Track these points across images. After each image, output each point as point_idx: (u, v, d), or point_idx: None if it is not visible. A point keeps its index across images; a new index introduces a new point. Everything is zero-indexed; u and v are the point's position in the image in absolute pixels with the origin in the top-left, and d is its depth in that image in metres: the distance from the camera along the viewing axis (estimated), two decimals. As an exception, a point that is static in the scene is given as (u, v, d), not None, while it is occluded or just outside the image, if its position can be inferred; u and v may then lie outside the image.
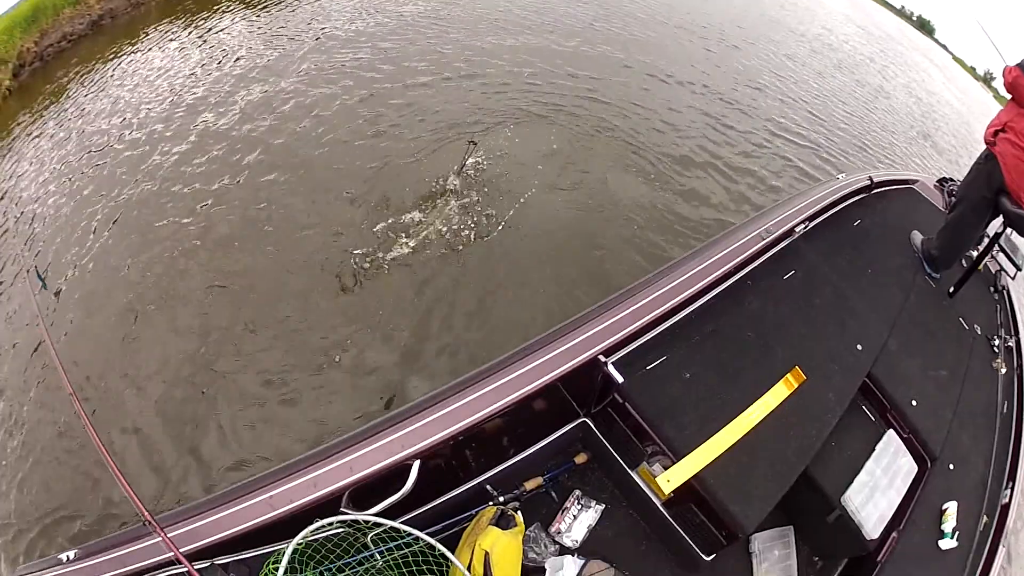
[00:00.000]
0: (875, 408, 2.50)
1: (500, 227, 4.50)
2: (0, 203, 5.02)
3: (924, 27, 58.12)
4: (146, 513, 1.42)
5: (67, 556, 1.54)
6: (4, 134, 6.00)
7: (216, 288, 4.00)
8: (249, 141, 5.12)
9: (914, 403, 2.53)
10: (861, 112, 9.91)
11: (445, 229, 4.39)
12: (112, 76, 6.55)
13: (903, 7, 62.61)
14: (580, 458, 2.17)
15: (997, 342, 3.40)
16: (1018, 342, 3.68)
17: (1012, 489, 2.58)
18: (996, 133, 3.37)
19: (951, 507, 2.27)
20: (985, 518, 2.42)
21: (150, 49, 7.15)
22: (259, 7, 8.17)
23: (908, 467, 2.33)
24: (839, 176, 3.84)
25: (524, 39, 7.68)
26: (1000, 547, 2.31)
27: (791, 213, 2.98)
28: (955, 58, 45.05)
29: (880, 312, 2.90)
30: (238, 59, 6.57)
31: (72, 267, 4.16)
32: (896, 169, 5.24)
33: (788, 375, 2.20)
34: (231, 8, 8.27)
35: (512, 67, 6.81)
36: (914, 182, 4.70)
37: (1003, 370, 3.21)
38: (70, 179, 5.07)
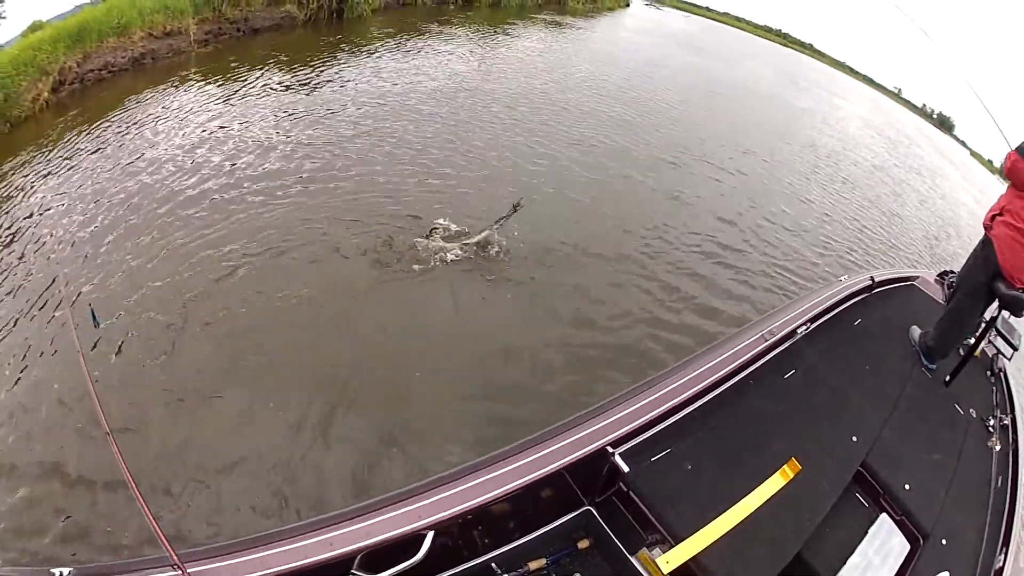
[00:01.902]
0: (869, 494, 2.68)
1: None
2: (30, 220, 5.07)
3: (943, 124, 60.58)
4: (172, 552, 1.49)
5: (60, 572, 1.54)
6: (34, 147, 6.12)
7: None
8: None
9: (907, 487, 2.71)
10: (868, 232, 10.17)
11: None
12: (144, 117, 6.73)
13: (924, 105, 65.34)
14: (583, 544, 2.27)
15: (992, 422, 3.57)
16: (1013, 419, 3.82)
17: (1006, 554, 2.71)
18: (994, 218, 3.55)
19: None
20: None
21: (184, 97, 7.44)
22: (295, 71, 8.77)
23: (900, 546, 2.49)
24: (842, 278, 4.12)
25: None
26: None
27: (794, 315, 3.27)
28: (972, 153, 47.04)
29: (876, 405, 3.12)
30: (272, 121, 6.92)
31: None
32: (900, 267, 5.52)
33: (785, 466, 2.40)
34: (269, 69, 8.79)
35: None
36: (915, 278, 5.00)
37: (998, 447, 3.38)
38: (96, 208, 5.14)
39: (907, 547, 2.53)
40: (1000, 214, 3.54)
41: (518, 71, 11.34)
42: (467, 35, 14.09)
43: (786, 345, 3.18)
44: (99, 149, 5.97)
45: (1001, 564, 2.67)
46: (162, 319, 4.06)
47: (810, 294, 3.81)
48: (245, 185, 5.50)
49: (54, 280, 4.35)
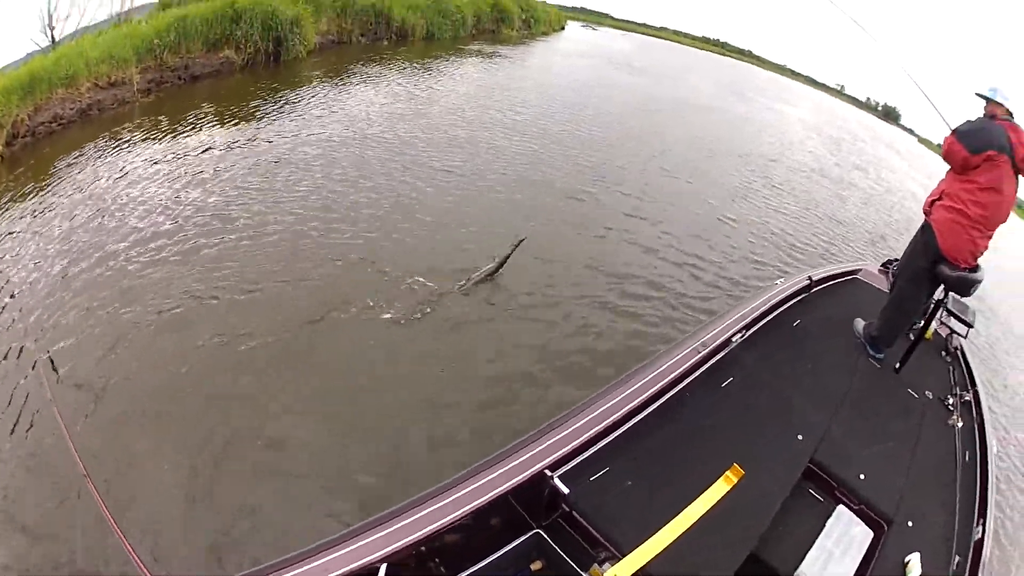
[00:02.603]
0: (822, 489, 2.80)
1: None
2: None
3: (889, 115, 62.48)
4: None
5: None
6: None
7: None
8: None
9: (862, 476, 2.84)
10: (805, 242, 10.17)
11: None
12: (91, 174, 7.15)
13: (868, 99, 67.19)
14: (535, 565, 2.37)
15: (951, 400, 3.75)
16: (975, 393, 4.03)
17: (983, 525, 2.82)
18: (933, 203, 3.82)
19: (913, 558, 2.49)
20: (958, 558, 2.64)
21: (129, 149, 7.92)
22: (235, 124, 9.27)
23: (862, 535, 2.60)
24: (777, 281, 4.36)
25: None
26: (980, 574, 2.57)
27: (728, 324, 3.44)
28: (920, 140, 48.64)
29: (821, 401, 3.29)
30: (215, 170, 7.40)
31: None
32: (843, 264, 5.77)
33: (727, 472, 2.54)
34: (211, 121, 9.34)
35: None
36: (858, 271, 5.25)
37: (960, 424, 3.52)
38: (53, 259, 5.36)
39: (870, 534, 2.62)
40: (940, 199, 3.77)
41: (445, 109, 11.80)
42: (400, 72, 14.79)
43: (721, 354, 3.32)
44: (50, 208, 6.29)
45: (980, 535, 2.78)
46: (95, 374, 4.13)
47: (745, 301, 3.94)
48: (192, 238, 5.75)
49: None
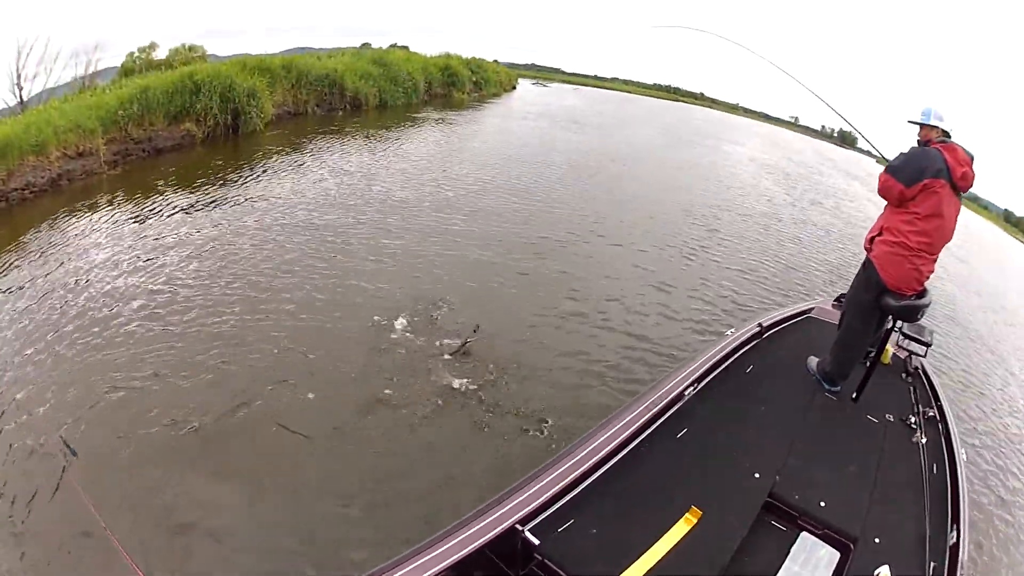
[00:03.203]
0: (784, 519, 2.96)
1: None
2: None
3: (845, 140, 63.98)
4: None
5: None
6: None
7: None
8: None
9: (822, 503, 3.00)
10: (755, 294, 9.48)
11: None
12: (64, 245, 7.49)
13: (823, 127, 68.99)
14: None
15: (913, 419, 3.89)
16: (939, 407, 4.18)
17: (958, 529, 2.94)
18: (873, 239, 3.98)
19: (883, 570, 2.61)
20: (933, 563, 2.75)
21: (98, 222, 8.24)
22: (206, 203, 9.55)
23: (829, 555, 2.76)
24: (728, 332, 4.55)
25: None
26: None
27: (680, 379, 3.66)
28: (881, 160, 49.63)
29: (776, 439, 3.47)
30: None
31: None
32: (799, 304, 5.79)
33: (687, 514, 2.73)
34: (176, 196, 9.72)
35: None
36: (811, 310, 5.47)
37: (924, 440, 3.65)
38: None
39: (836, 555, 2.77)
40: (879, 234, 3.92)
41: (379, 193, 11.19)
42: (351, 145, 15.17)
43: (675, 408, 3.52)
44: (31, 280, 6.56)
45: (955, 539, 2.89)
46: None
47: (697, 353, 4.20)
48: (164, 317, 5.92)
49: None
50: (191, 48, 19.15)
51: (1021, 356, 10.30)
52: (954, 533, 2.95)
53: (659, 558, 2.47)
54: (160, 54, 18.75)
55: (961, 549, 2.82)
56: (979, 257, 21.71)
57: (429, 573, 2.15)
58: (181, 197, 9.51)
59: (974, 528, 4.74)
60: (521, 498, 2.55)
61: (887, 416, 3.94)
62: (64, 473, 3.98)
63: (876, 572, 2.58)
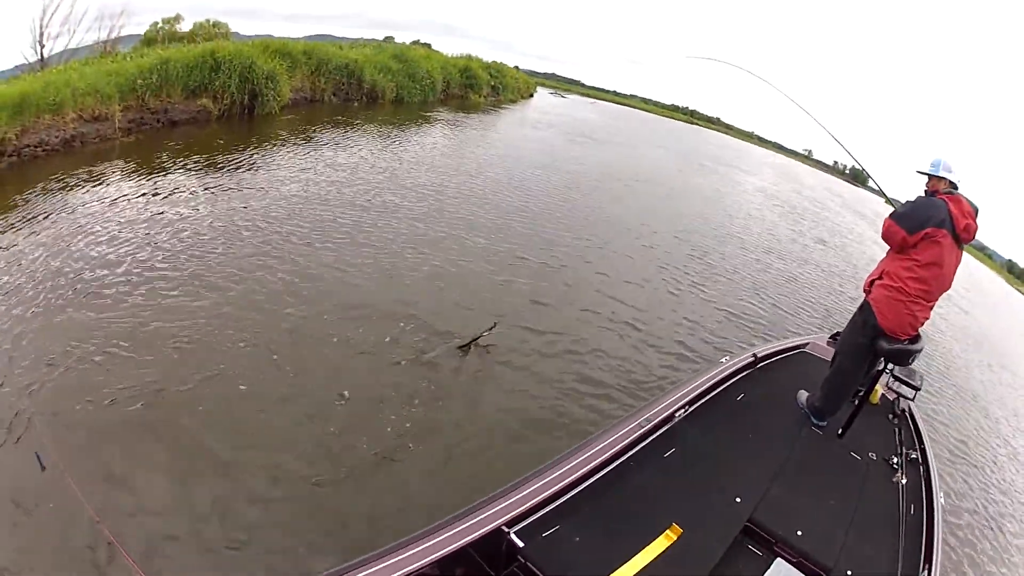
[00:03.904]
0: (761, 544, 3.06)
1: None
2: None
3: (856, 178, 64.34)
4: None
5: None
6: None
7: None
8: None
9: (799, 532, 3.10)
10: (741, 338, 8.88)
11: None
12: (75, 204, 7.54)
13: (835, 163, 69.31)
14: None
15: (896, 460, 4.01)
16: (922, 451, 4.29)
17: (929, 570, 3.06)
18: (872, 283, 4.11)
19: None
20: None
21: (110, 188, 8.28)
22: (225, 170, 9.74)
23: None
24: (723, 359, 4.68)
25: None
26: None
27: (672, 400, 3.79)
28: (889, 200, 50.39)
29: (761, 467, 3.59)
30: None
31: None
32: (795, 338, 5.81)
33: (667, 531, 2.84)
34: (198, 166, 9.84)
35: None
36: (806, 345, 5.62)
37: (904, 480, 3.78)
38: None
39: None
40: (880, 278, 4.04)
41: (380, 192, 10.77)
42: (364, 138, 15.21)
43: (664, 428, 3.63)
44: (32, 232, 6.66)
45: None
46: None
47: (691, 378, 4.28)
48: (162, 289, 5.89)
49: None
50: (215, 24, 19.38)
51: (1013, 418, 10.37)
52: (925, 571, 3.06)
53: (637, 570, 2.56)
54: (184, 27, 19.10)
55: None
56: (982, 309, 21.86)
57: (414, 566, 2.22)
58: (189, 172, 9.58)
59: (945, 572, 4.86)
60: (509, 501, 2.64)
61: (871, 454, 4.06)
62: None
63: None
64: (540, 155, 18.68)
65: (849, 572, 2.92)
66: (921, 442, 4.42)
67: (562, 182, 15.21)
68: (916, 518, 3.53)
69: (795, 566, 2.91)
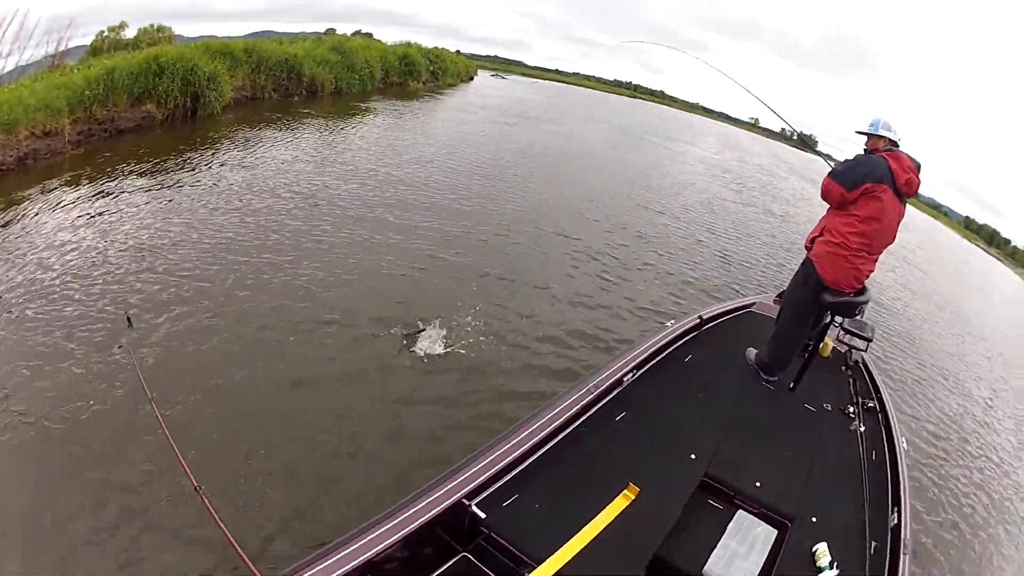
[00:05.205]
0: (721, 498, 3.17)
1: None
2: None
3: (805, 143, 65.77)
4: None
5: None
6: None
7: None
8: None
9: (758, 484, 3.22)
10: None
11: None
12: (33, 221, 7.67)
13: (782, 129, 70.86)
14: None
15: (852, 409, 4.18)
16: (879, 399, 4.49)
17: (899, 512, 3.18)
18: (814, 240, 4.24)
19: (820, 547, 2.81)
20: (875, 543, 2.95)
21: (60, 203, 8.42)
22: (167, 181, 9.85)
23: (766, 533, 2.95)
24: (668, 323, 4.78)
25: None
26: (901, 555, 2.87)
27: (620, 366, 3.87)
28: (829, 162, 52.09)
29: (713, 424, 3.72)
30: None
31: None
32: (741, 298, 6.05)
33: (625, 491, 2.94)
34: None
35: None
36: (751, 305, 5.79)
37: (862, 428, 3.92)
38: None
39: (773, 532, 2.96)
40: (820, 235, 4.16)
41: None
42: (298, 132, 15.45)
43: (614, 393, 3.74)
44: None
45: (897, 520, 3.13)
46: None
47: (637, 342, 4.38)
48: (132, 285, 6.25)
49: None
50: (159, 28, 19.37)
51: (968, 364, 11.47)
52: (895, 515, 3.19)
53: (599, 530, 2.68)
54: (129, 33, 19.01)
55: (903, 529, 3.04)
56: (938, 265, 23.84)
57: (380, 547, 2.28)
58: (138, 179, 9.79)
59: (921, 516, 5.26)
60: (467, 474, 2.70)
61: (825, 405, 4.24)
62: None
63: (814, 548, 2.82)
64: (468, 141, 18.56)
65: (814, 519, 3.05)
66: (877, 391, 4.63)
67: (478, 169, 14.84)
68: (878, 463, 3.69)
69: (757, 516, 3.04)
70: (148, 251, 7.08)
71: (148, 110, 13.12)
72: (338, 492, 4.09)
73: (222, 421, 4.53)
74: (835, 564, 2.70)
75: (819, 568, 2.71)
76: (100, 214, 8.07)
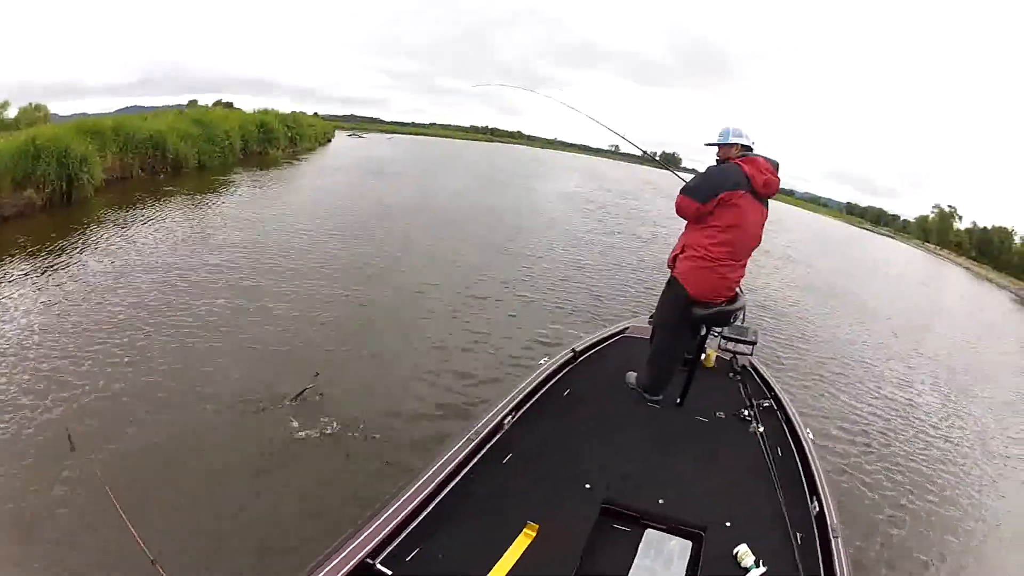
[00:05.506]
0: (626, 522, 3.08)
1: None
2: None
3: (670, 162, 69.60)
4: None
5: None
6: None
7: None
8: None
9: (661, 501, 3.17)
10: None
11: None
12: None
13: (645, 152, 75.80)
14: None
15: (747, 412, 4.18)
16: (775, 396, 4.54)
17: (819, 500, 3.17)
18: (676, 258, 4.19)
19: (741, 548, 2.78)
20: (800, 535, 2.94)
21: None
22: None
23: (680, 546, 2.89)
24: (542, 361, 4.69)
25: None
26: (831, 539, 2.85)
27: (498, 409, 3.76)
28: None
29: (603, 451, 3.67)
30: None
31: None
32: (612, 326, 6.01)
33: (525, 530, 2.87)
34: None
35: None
36: (625, 330, 5.74)
37: (760, 428, 3.92)
38: None
39: (688, 544, 2.91)
40: (682, 252, 4.12)
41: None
42: (172, 209, 15.71)
43: (496, 437, 3.62)
44: None
45: (819, 509, 3.12)
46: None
47: (512, 383, 4.31)
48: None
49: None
50: (37, 107, 19.53)
51: (872, 345, 12.50)
52: (815, 504, 3.18)
53: (507, 572, 2.63)
54: (11, 113, 19.01)
55: (828, 515, 3.03)
56: (825, 257, 26.13)
57: None
58: (26, 264, 9.94)
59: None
60: (366, 533, 2.64)
61: (717, 414, 4.26)
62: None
63: (735, 551, 2.78)
64: (327, 206, 18.64)
65: (728, 523, 3.02)
66: (771, 389, 4.68)
67: (334, 233, 14.77)
68: (786, 459, 3.70)
69: (667, 531, 3.00)
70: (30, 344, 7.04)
71: (28, 195, 13.27)
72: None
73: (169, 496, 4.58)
74: (760, 562, 2.71)
75: (745, 569, 2.71)
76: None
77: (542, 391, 4.29)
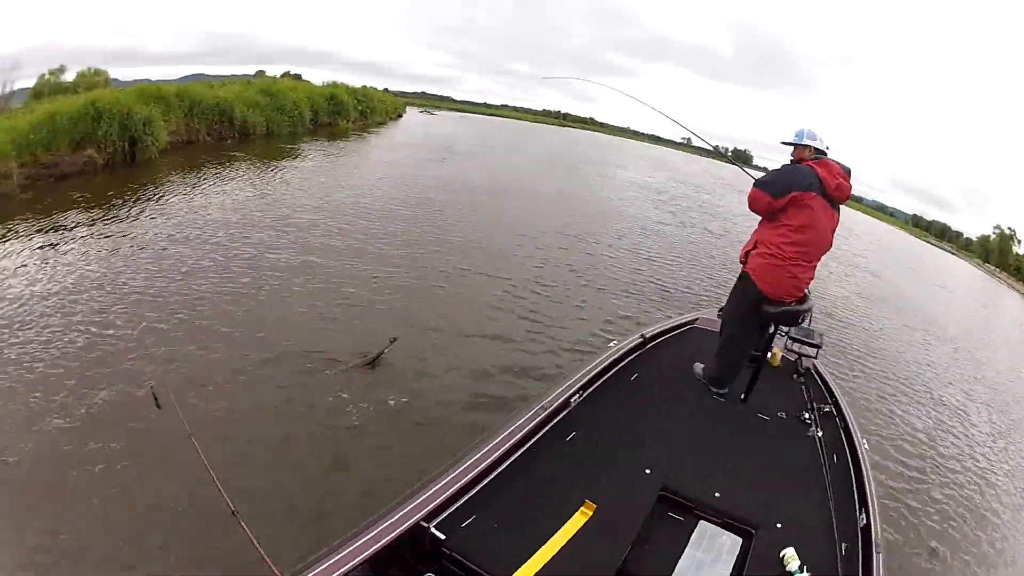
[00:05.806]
0: (681, 511, 3.15)
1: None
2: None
3: (740, 159, 68.55)
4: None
5: None
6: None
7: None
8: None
9: (717, 495, 3.21)
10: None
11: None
12: None
13: (716, 146, 74.52)
14: None
15: (807, 415, 4.20)
16: (835, 403, 4.54)
17: (868, 512, 3.18)
18: (748, 253, 4.26)
19: (788, 552, 2.79)
20: (845, 544, 2.95)
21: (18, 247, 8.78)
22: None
23: (731, 542, 2.94)
24: (611, 343, 4.83)
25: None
26: (874, 554, 2.86)
27: (566, 387, 3.88)
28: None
29: (666, 438, 3.73)
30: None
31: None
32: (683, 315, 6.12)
33: (582, 508, 2.94)
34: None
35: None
36: (695, 321, 5.82)
37: (820, 433, 3.93)
38: None
39: (739, 541, 2.95)
40: (754, 247, 4.18)
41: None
42: (237, 174, 15.88)
43: (562, 414, 3.72)
44: None
45: (866, 521, 3.13)
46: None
47: (581, 364, 4.43)
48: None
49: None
50: (96, 72, 20.06)
51: (934, 367, 11.96)
52: (863, 516, 3.18)
53: (559, 547, 2.69)
54: (69, 76, 19.76)
55: (873, 529, 3.03)
56: (892, 268, 25.20)
57: (343, 570, 2.27)
58: (83, 225, 10.07)
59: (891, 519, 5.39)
60: (423, 496, 2.70)
61: (780, 414, 4.29)
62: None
63: (782, 554, 2.80)
64: (395, 179, 18.66)
65: (779, 524, 3.05)
66: (832, 395, 4.69)
67: (411, 205, 15.04)
68: (840, 467, 3.71)
69: (720, 526, 3.04)
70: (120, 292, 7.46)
71: (89, 155, 13.72)
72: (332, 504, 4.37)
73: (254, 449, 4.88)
74: (805, 567, 2.72)
75: (789, 572, 2.73)
76: (37, 262, 8.23)
77: (610, 373, 4.39)
